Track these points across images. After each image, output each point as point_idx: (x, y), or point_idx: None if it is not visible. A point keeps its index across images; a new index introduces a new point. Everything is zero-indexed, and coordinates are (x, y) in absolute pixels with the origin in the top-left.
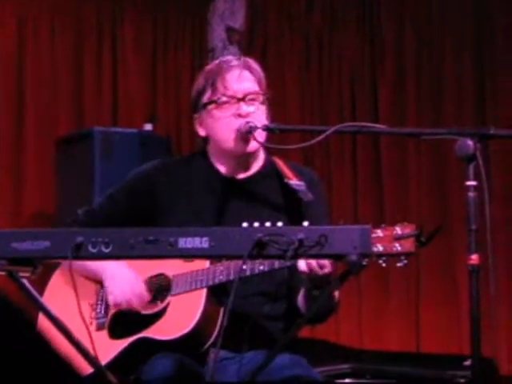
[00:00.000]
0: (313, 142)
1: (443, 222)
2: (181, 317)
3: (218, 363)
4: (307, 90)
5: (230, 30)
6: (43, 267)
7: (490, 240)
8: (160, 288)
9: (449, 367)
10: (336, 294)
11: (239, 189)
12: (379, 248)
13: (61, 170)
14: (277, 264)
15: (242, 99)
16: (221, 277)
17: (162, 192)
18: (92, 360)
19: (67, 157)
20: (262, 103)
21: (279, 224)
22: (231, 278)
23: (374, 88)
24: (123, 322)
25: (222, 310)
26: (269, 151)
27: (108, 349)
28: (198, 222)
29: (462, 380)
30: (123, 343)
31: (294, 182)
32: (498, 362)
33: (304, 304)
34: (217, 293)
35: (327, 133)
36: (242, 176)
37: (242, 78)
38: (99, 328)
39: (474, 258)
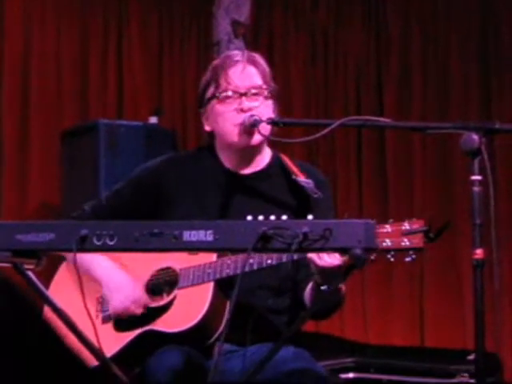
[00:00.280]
0: (318, 135)
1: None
2: (188, 310)
3: (222, 356)
4: (312, 86)
5: (235, 24)
6: (49, 260)
7: (494, 235)
8: (167, 281)
9: (453, 362)
10: (343, 288)
11: (244, 184)
12: (388, 243)
13: (66, 162)
14: (285, 258)
15: (245, 94)
16: (228, 270)
17: (168, 186)
18: (97, 352)
19: (72, 149)
20: (267, 98)
21: (284, 217)
22: (239, 271)
23: (379, 84)
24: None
25: (228, 304)
26: (275, 148)
27: (113, 341)
28: (203, 216)
29: (466, 374)
30: (129, 336)
31: (302, 179)
32: (502, 356)
33: (310, 298)
34: (223, 286)
35: (332, 126)
36: (247, 171)
37: (245, 73)
38: (105, 321)
39: (479, 253)
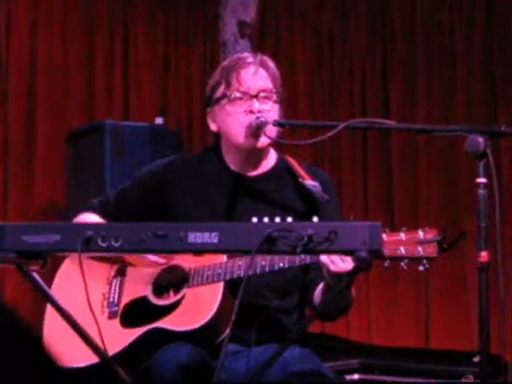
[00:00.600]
0: (324, 137)
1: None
2: (197, 309)
3: (227, 357)
4: (318, 87)
5: (241, 24)
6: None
7: (499, 237)
8: (175, 280)
9: (458, 363)
10: (352, 291)
11: (249, 186)
12: (402, 251)
13: (71, 163)
14: (298, 261)
15: (255, 96)
16: (239, 271)
17: (174, 188)
18: (99, 351)
19: (78, 150)
20: (276, 102)
21: (289, 219)
22: (250, 273)
23: (384, 86)
24: (136, 311)
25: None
26: (280, 151)
27: (119, 338)
28: (209, 218)
29: (471, 376)
30: (136, 332)
31: (309, 182)
32: (507, 358)
33: (320, 300)
34: (232, 287)
35: (338, 128)
36: (252, 173)
37: (256, 75)
38: (111, 317)
39: (484, 256)
